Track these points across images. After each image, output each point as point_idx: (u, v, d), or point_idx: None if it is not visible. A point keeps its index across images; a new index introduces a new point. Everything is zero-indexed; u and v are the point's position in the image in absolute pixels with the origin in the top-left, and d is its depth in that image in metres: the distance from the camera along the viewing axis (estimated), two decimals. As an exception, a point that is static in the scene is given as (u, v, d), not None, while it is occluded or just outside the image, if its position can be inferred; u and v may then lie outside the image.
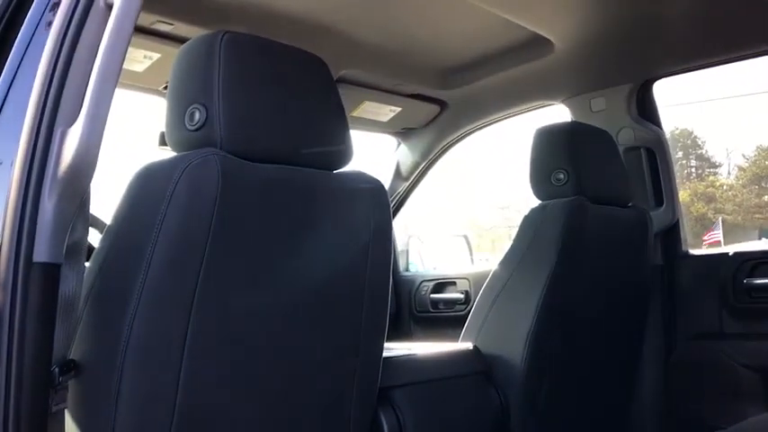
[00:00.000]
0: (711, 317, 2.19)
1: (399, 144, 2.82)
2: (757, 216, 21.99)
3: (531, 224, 1.79)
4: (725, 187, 24.19)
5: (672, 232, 2.30)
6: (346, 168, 1.30)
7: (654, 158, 2.31)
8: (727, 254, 2.20)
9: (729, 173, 25.19)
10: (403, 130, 2.74)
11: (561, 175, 1.81)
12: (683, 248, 2.31)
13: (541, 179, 1.85)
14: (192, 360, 1.06)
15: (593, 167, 1.88)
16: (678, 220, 2.32)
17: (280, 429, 1.22)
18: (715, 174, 25.43)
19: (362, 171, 1.32)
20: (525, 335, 1.70)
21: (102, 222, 1.31)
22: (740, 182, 24.04)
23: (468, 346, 1.73)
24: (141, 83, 1.96)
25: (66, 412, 0.99)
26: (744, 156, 25.32)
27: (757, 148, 24.02)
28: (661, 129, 2.33)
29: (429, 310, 2.81)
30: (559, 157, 1.83)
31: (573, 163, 1.82)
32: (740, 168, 24.63)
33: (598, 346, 1.93)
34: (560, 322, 1.75)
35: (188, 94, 1.13)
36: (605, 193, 1.90)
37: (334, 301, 1.25)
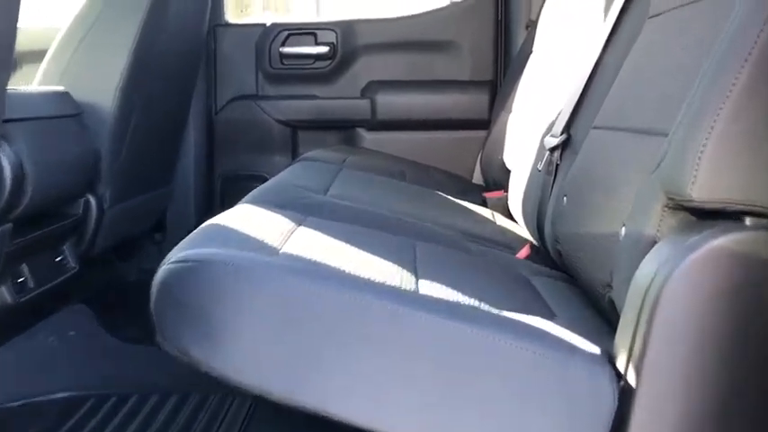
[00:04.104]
0: (250, 81, 2.47)
1: None
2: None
3: None
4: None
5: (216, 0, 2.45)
6: None
7: None
8: (265, 24, 2.46)
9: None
10: None
11: None
12: (225, 18, 2.50)
13: None
14: None
15: None
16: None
17: None
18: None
19: None
20: (118, 79, 1.71)
21: None
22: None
23: (59, 89, 1.66)
24: None
25: None
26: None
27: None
28: None
29: None
30: None
31: None
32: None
33: (166, 96, 2.03)
34: (146, 70, 1.80)
35: None
36: None
37: None
